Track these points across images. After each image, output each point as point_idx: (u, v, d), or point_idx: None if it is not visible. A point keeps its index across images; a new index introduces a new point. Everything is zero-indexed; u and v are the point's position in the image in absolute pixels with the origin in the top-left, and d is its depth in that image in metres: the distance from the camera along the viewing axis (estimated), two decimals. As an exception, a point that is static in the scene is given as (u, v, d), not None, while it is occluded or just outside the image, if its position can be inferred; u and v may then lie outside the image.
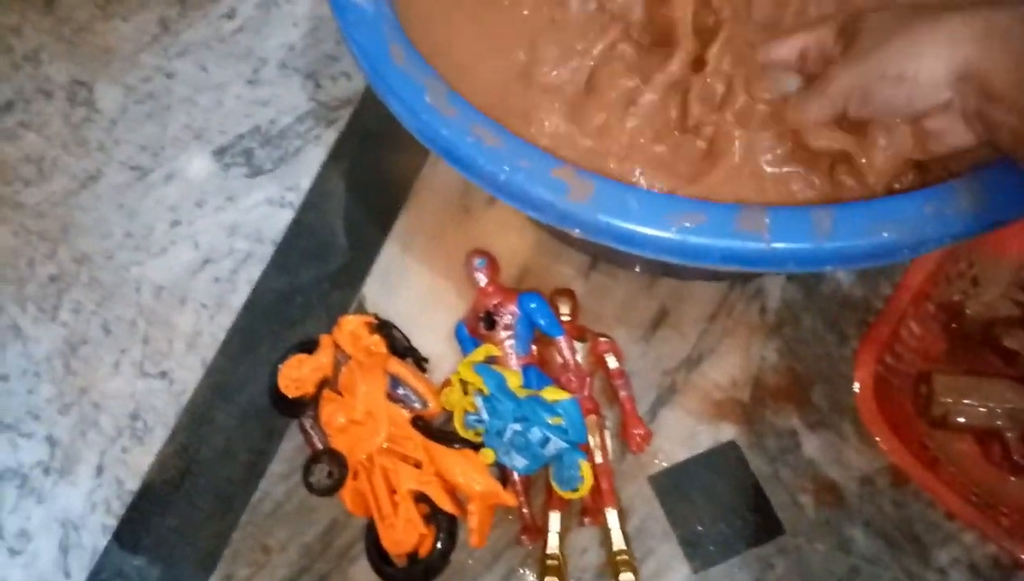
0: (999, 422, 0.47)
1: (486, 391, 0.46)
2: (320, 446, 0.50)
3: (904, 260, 0.35)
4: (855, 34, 0.35)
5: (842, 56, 0.36)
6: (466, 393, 0.48)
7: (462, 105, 0.37)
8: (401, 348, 0.52)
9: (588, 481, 0.46)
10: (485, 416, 0.46)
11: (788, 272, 0.36)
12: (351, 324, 0.51)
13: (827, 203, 0.36)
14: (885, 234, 0.34)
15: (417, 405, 0.50)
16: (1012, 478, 0.47)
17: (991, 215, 0.34)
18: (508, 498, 0.47)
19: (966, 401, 0.47)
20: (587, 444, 0.48)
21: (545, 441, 0.45)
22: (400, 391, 0.51)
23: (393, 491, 0.47)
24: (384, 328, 0.51)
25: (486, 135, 0.37)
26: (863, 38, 0.35)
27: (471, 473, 0.46)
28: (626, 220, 0.35)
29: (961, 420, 0.47)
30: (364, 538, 0.48)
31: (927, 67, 0.32)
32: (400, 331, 0.52)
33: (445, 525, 0.47)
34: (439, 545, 0.46)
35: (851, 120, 0.36)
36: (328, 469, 0.48)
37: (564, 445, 0.45)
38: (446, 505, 0.47)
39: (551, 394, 0.46)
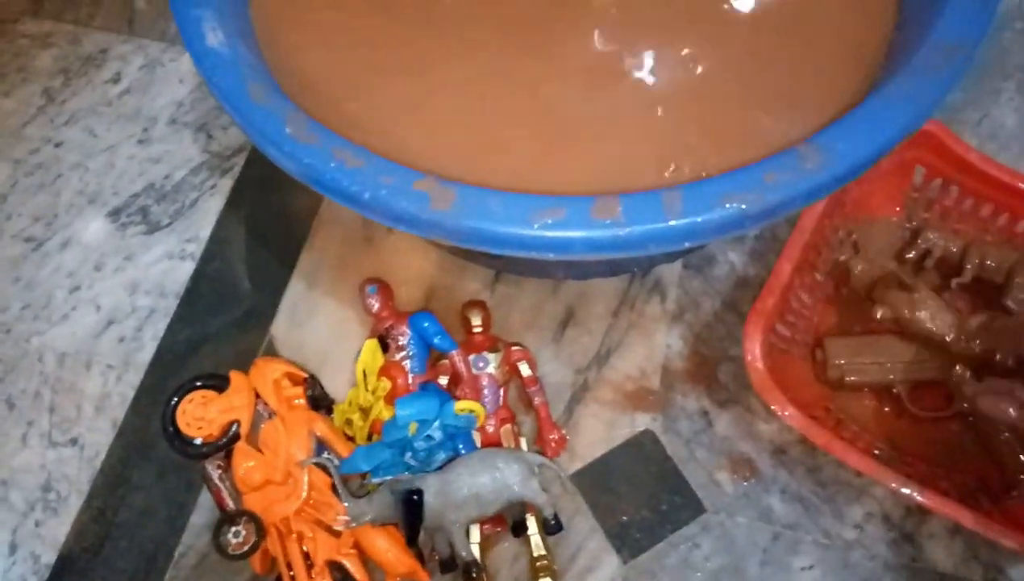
0: (891, 376, 0.49)
1: (367, 476, 0.46)
2: (231, 503, 0.48)
3: (754, 229, 0.37)
4: None
5: None
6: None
7: (322, 131, 0.38)
8: (324, 404, 0.51)
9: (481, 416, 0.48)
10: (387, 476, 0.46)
11: (650, 254, 0.38)
12: (274, 372, 0.49)
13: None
14: (731, 205, 0.35)
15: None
16: (910, 428, 0.49)
17: (831, 172, 0.36)
18: (425, 577, 0.47)
19: (858, 360, 0.49)
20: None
21: (431, 441, 0.46)
22: (325, 454, 0.48)
23: (309, 559, 0.46)
24: (310, 385, 0.50)
25: (348, 157, 0.38)
26: None
27: (393, 549, 0.46)
28: (490, 222, 0.36)
29: (854, 379, 0.49)
30: None
31: None
32: (322, 386, 0.51)
33: None
34: None
35: None
36: (243, 533, 0.46)
37: (440, 434, 0.46)
38: (364, 579, 0.46)
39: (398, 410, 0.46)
